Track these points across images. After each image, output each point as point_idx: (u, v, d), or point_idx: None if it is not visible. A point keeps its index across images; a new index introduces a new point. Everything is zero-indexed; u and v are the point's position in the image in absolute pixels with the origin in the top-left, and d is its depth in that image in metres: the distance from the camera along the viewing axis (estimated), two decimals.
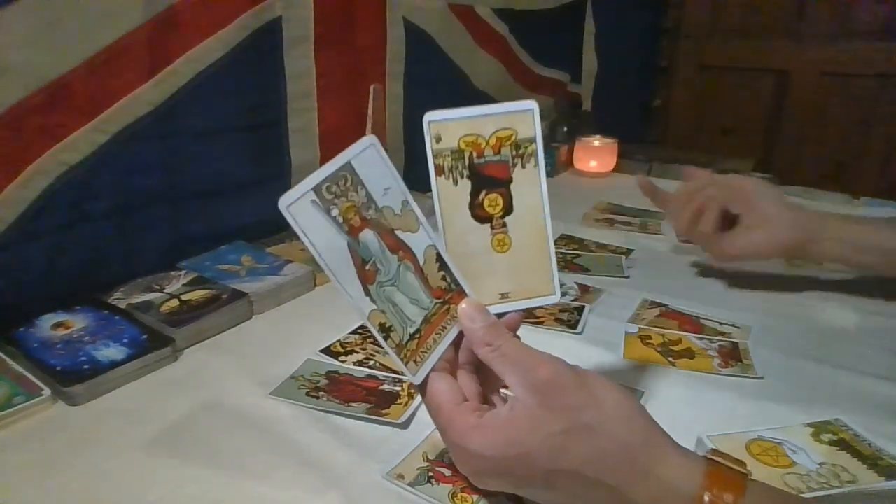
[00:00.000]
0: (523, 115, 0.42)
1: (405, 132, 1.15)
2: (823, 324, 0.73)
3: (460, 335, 0.43)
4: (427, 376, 0.41)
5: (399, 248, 0.41)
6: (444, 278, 0.42)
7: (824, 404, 0.57)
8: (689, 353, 0.66)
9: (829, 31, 1.96)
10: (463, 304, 0.43)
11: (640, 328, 0.71)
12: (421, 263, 0.41)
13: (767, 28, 2.05)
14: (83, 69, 0.68)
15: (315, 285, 0.79)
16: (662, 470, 0.38)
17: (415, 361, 0.41)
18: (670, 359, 0.65)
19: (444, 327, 0.42)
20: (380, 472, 0.49)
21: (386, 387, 0.60)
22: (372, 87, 0.99)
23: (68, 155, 0.69)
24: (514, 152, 0.41)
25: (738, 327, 0.71)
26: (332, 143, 0.99)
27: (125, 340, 0.63)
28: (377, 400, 0.57)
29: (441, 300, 0.42)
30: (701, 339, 0.69)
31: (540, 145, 0.43)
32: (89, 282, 0.73)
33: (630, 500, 0.37)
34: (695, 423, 0.53)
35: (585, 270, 0.87)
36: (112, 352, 0.61)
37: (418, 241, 0.41)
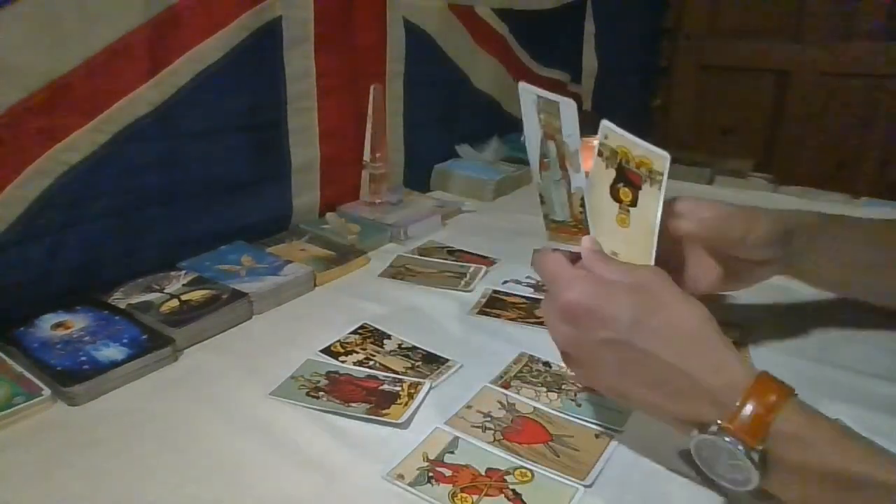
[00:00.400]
0: (660, 157, 0.50)
1: (405, 132, 1.15)
2: (823, 324, 0.73)
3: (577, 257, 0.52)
4: (543, 252, 0.52)
5: (566, 170, 0.53)
6: (581, 213, 0.54)
7: (824, 404, 0.57)
8: None
9: (829, 31, 1.96)
10: (585, 238, 0.53)
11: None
12: (571, 192, 0.54)
13: (767, 28, 2.05)
14: (83, 69, 0.68)
15: (315, 285, 0.79)
16: (725, 355, 0.43)
17: (554, 233, 0.55)
18: None
19: (568, 241, 0.55)
20: (380, 472, 0.49)
21: (386, 387, 0.60)
22: (372, 87, 0.99)
23: (68, 155, 0.69)
24: (647, 173, 0.51)
25: (739, 327, 0.71)
26: (332, 143, 0.99)
27: (125, 340, 0.63)
28: (377, 400, 0.57)
29: (577, 224, 0.54)
30: None
31: (664, 182, 0.51)
32: (89, 282, 0.73)
33: (694, 366, 0.43)
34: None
35: None
36: (112, 352, 0.61)
37: (575, 179, 0.54)
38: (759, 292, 0.79)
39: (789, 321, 0.74)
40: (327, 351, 0.66)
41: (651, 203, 0.51)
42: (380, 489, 0.48)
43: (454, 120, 1.29)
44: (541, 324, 0.72)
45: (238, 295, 0.72)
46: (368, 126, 1.00)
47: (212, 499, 0.47)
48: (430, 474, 0.49)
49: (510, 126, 1.45)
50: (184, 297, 0.72)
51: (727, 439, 0.40)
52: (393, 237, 0.95)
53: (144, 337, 0.64)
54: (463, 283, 0.82)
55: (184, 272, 0.78)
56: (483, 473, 0.49)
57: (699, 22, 2.15)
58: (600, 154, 0.53)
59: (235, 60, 0.83)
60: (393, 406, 0.56)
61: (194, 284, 0.75)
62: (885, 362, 0.65)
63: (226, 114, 0.85)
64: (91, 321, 0.67)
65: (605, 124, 0.52)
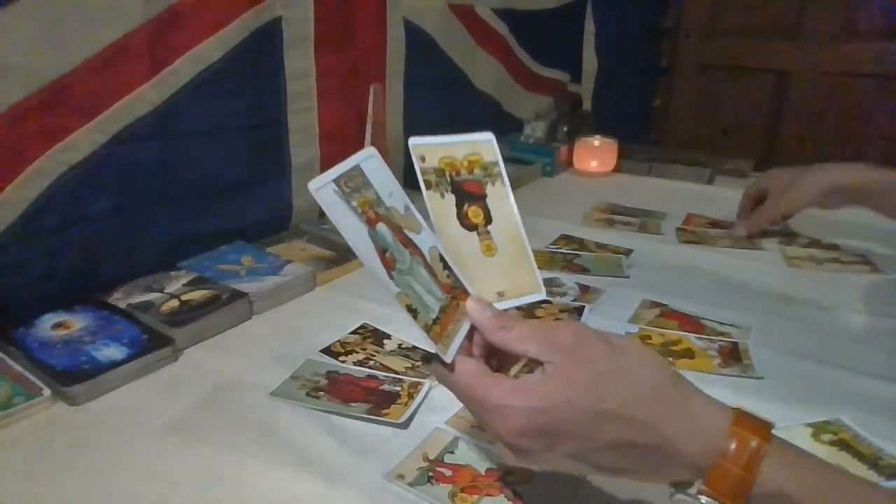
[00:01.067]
0: (485, 144, 0.48)
1: (405, 132, 1.15)
2: (823, 324, 0.73)
3: (471, 333, 0.45)
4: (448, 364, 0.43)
5: (408, 244, 0.44)
6: (448, 276, 0.45)
7: (824, 404, 0.57)
8: (689, 353, 0.66)
9: (829, 31, 1.96)
10: (469, 301, 0.45)
11: (640, 328, 0.71)
12: (428, 261, 0.45)
13: (767, 28, 2.05)
14: (83, 69, 0.68)
15: (315, 285, 0.79)
16: (692, 407, 0.40)
17: (443, 343, 0.42)
18: (670, 359, 0.65)
19: (458, 320, 0.44)
20: (380, 472, 0.49)
21: (386, 387, 0.60)
22: (372, 87, 0.98)
23: (68, 155, 0.69)
24: (483, 173, 0.48)
25: (738, 327, 0.71)
26: (332, 143, 0.99)
27: (125, 340, 0.63)
28: (377, 400, 0.57)
29: (450, 295, 0.45)
30: (701, 339, 0.69)
31: (502, 168, 0.49)
32: (89, 282, 0.73)
33: (667, 439, 0.38)
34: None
35: (585, 270, 0.87)
36: (112, 352, 0.61)
37: (423, 241, 0.45)
38: (759, 292, 0.79)
39: (789, 321, 0.74)
40: (327, 351, 0.66)
41: (503, 205, 0.48)
42: (380, 489, 0.48)
43: (454, 120, 1.29)
44: None
45: (238, 295, 0.72)
46: (368, 126, 1.00)
47: (212, 499, 0.47)
48: (430, 474, 0.49)
49: (510, 126, 1.46)
50: (184, 297, 0.72)
51: (705, 501, 0.38)
52: None
53: (144, 337, 0.64)
54: None
55: (184, 272, 0.78)
56: (483, 473, 0.49)
57: (699, 22, 2.15)
58: (428, 185, 0.47)
59: (235, 60, 0.83)
60: (393, 406, 0.56)
61: (194, 284, 0.75)
62: (885, 362, 0.65)
63: (226, 114, 0.85)
64: (91, 321, 0.67)
65: (415, 143, 0.47)
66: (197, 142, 0.82)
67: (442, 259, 0.45)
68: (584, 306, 0.76)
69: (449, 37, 1.20)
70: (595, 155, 1.37)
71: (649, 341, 0.68)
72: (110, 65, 0.70)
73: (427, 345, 0.43)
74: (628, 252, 0.93)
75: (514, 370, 0.46)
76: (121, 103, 0.72)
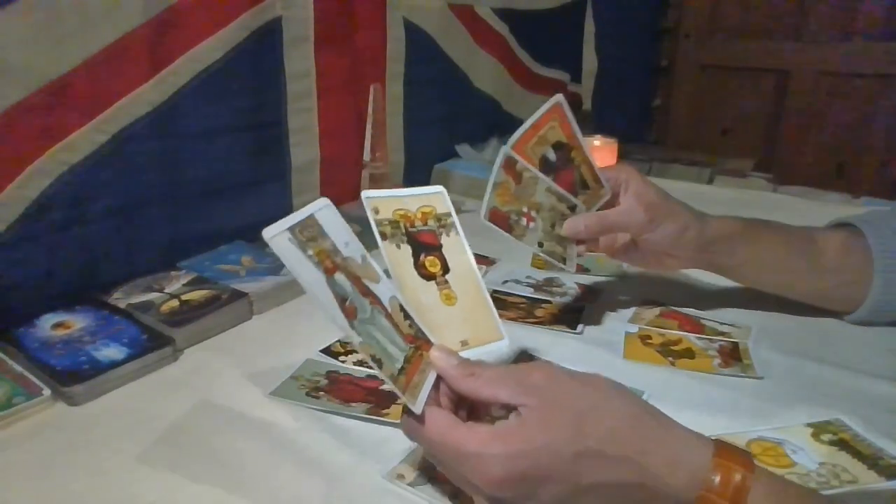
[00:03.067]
0: (437, 196, 0.50)
1: (405, 132, 1.15)
2: (823, 324, 0.73)
3: (437, 383, 0.44)
4: (417, 416, 0.42)
5: (368, 294, 0.43)
6: (410, 326, 0.45)
7: (824, 404, 0.57)
8: (689, 353, 0.66)
9: (829, 31, 1.96)
10: (433, 350, 0.44)
11: (640, 328, 0.71)
12: (388, 311, 0.44)
13: (767, 28, 2.05)
14: (83, 69, 0.68)
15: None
16: (672, 438, 0.39)
17: (410, 394, 0.41)
18: (670, 359, 0.65)
19: (423, 370, 0.43)
20: (380, 472, 0.49)
21: (386, 387, 0.60)
22: (372, 87, 0.99)
23: (68, 155, 0.69)
24: (437, 224, 0.48)
25: (738, 327, 0.71)
26: (332, 143, 0.99)
27: (125, 340, 0.63)
28: (377, 400, 0.57)
29: (413, 346, 0.44)
30: (701, 339, 0.69)
31: (455, 218, 0.51)
32: (89, 282, 0.73)
33: (650, 474, 0.38)
34: (695, 423, 0.52)
35: (585, 270, 0.87)
36: (112, 352, 0.61)
37: (382, 291, 0.44)
38: (759, 292, 0.79)
39: (789, 321, 0.74)
40: (327, 351, 0.66)
41: (459, 255, 0.49)
42: (380, 489, 0.48)
43: (454, 120, 1.29)
44: (541, 323, 0.72)
45: (238, 295, 0.72)
46: (368, 126, 1.00)
47: (212, 499, 0.47)
48: (431, 474, 0.49)
49: (510, 126, 1.45)
50: (184, 297, 0.72)
51: None
52: None
53: (144, 337, 0.64)
54: None
55: (184, 272, 0.78)
56: None
57: (699, 22, 2.15)
58: (384, 236, 0.47)
59: (235, 60, 0.83)
60: (393, 406, 0.56)
61: (194, 284, 0.75)
62: (885, 362, 0.65)
63: (226, 114, 0.85)
64: (91, 321, 0.67)
65: (368, 196, 0.48)
66: (197, 142, 0.82)
67: (402, 309, 0.45)
68: (584, 306, 0.76)
69: (449, 37, 1.20)
70: (595, 155, 1.37)
71: (649, 341, 0.68)
72: (110, 65, 0.70)
73: (397, 393, 0.41)
74: None
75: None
76: (121, 103, 0.72)
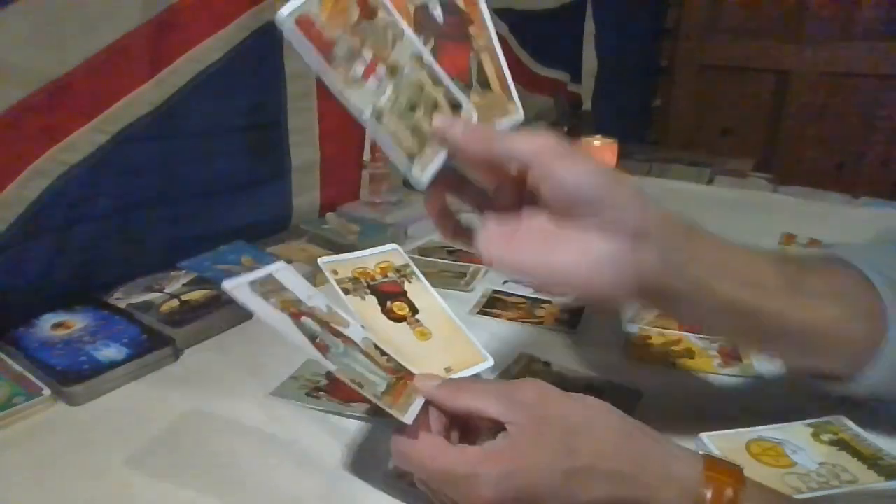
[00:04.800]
0: (392, 252, 0.50)
1: None
2: None
3: (425, 409, 0.43)
4: (406, 441, 0.41)
5: (339, 335, 0.43)
6: (388, 361, 0.44)
7: (824, 404, 0.57)
8: (689, 353, 0.66)
9: (829, 31, 1.96)
10: (416, 379, 0.44)
11: (640, 328, 0.71)
12: (363, 349, 0.43)
13: (767, 28, 2.05)
14: (83, 69, 0.68)
15: (315, 285, 0.79)
16: (662, 452, 0.39)
17: (398, 409, 0.41)
18: (670, 359, 0.65)
19: (409, 394, 0.42)
20: (380, 471, 0.49)
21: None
22: None
23: (68, 155, 0.69)
24: (397, 275, 0.48)
25: None
26: (332, 143, 0.99)
27: (125, 340, 0.63)
28: None
29: (395, 376, 0.43)
30: (701, 338, 0.69)
31: (414, 267, 0.51)
32: (89, 282, 0.73)
33: (642, 488, 0.37)
34: (695, 423, 0.53)
35: None
36: (112, 352, 0.61)
37: (353, 333, 0.44)
38: None
39: None
40: None
41: (425, 297, 0.49)
42: (380, 489, 0.47)
43: None
44: (541, 323, 0.72)
45: None
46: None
47: (212, 499, 0.47)
48: None
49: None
50: (184, 297, 0.72)
51: None
52: (393, 237, 0.95)
53: (144, 337, 0.64)
54: (463, 282, 0.82)
55: (184, 272, 0.78)
56: None
57: (699, 22, 2.15)
58: (347, 292, 0.48)
59: (235, 60, 0.82)
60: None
61: (194, 284, 0.75)
62: None
63: (226, 114, 0.85)
64: (91, 321, 0.67)
65: (324, 262, 0.48)
66: (197, 142, 0.82)
67: (377, 347, 0.44)
68: (584, 306, 0.76)
69: None
70: (595, 155, 1.37)
71: (649, 341, 0.68)
72: (110, 65, 0.70)
73: (385, 408, 0.41)
74: None
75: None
76: (121, 103, 0.72)
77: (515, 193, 0.43)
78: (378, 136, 0.43)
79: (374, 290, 0.48)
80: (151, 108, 0.75)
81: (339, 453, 0.51)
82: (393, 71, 0.42)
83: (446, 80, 0.44)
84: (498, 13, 1.33)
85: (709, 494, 0.36)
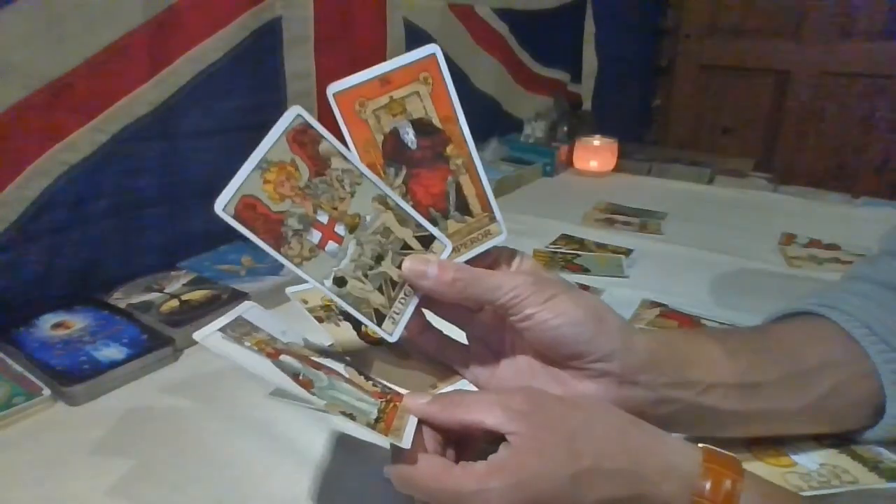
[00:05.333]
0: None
1: None
2: None
3: (419, 429, 0.41)
4: (406, 467, 0.39)
5: (321, 367, 0.41)
6: (374, 385, 0.42)
7: None
8: None
9: (829, 31, 1.96)
10: (406, 398, 0.42)
11: (639, 328, 0.71)
12: (346, 377, 0.42)
13: (767, 28, 2.05)
14: (83, 69, 0.68)
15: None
16: (661, 445, 0.39)
17: (394, 435, 0.39)
18: None
19: (401, 416, 0.40)
20: (380, 471, 0.49)
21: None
22: None
23: (68, 155, 0.69)
24: None
25: (738, 327, 0.71)
26: None
27: (125, 340, 0.63)
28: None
29: (384, 400, 0.41)
30: None
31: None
32: (89, 282, 0.73)
33: (645, 483, 0.38)
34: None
35: (585, 270, 0.87)
36: (112, 352, 0.61)
37: (334, 363, 0.42)
38: (759, 292, 0.79)
39: None
40: None
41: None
42: (380, 489, 0.47)
43: None
44: None
45: (238, 295, 0.72)
46: None
47: (212, 499, 0.47)
48: None
49: (510, 126, 1.45)
50: (184, 297, 0.72)
51: None
52: None
53: (144, 337, 0.64)
54: None
55: (184, 272, 0.78)
56: None
57: (699, 22, 2.15)
58: (321, 320, 0.47)
59: (235, 60, 0.82)
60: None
61: (194, 284, 0.75)
62: None
63: (226, 114, 0.85)
64: (91, 321, 0.67)
65: (292, 291, 0.47)
66: (197, 142, 0.82)
67: (361, 372, 0.43)
68: None
69: (449, 37, 1.20)
70: (595, 155, 1.37)
71: None
72: (110, 65, 0.70)
73: (378, 438, 0.38)
74: (628, 252, 0.93)
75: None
76: (121, 103, 0.72)
77: (497, 320, 0.45)
78: (342, 303, 0.41)
79: (347, 317, 0.47)
80: (151, 108, 0.75)
81: (339, 454, 0.51)
82: (353, 226, 0.41)
83: (416, 217, 0.42)
84: (498, 13, 1.33)
85: (707, 486, 0.37)
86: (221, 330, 0.38)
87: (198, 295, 0.72)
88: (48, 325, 0.65)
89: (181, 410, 0.56)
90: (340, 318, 0.47)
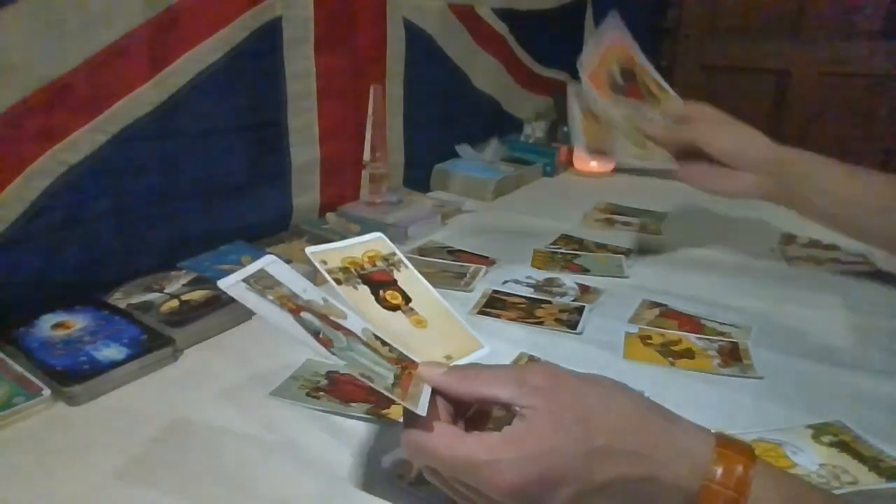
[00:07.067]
0: (378, 241, 0.51)
1: (405, 132, 1.15)
2: (823, 324, 0.73)
3: (432, 400, 0.42)
4: (420, 433, 0.40)
5: (339, 328, 0.43)
6: (390, 351, 0.44)
7: (825, 405, 0.57)
8: (689, 353, 0.66)
9: (829, 31, 1.96)
10: (421, 367, 0.43)
11: (640, 328, 0.71)
12: (364, 340, 0.43)
13: (767, 28, 2.05)
14: (83, 69, 0.68)
15: (316, 285, 0.79)
16: (675, 429, 0.39)
17: (410, 401, 0.40)
18: (670, 359, 0.65)
19: (416, 384, 0.42)
20: (380, 471, 0.49)
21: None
22: (372, 88, 0.98)
23: (68, 155, 0.69)
24: (385, 263, 0.49)
25: (738, 327, 0.71)
26: (332, 143, 0.99)
27: (125, 340, 0.63)
28: (377, 400, 0.57)
29: (399, 366, 0.43)
30: (701, 339, 0.69)
31: (401, 256, 0.52)
32: (89, 282, 0.73)
33: (659, 465, 0.38)
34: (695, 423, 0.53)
35: (585, 270, 0.87)
36: (112, 352, 0.61)
37: (353, 325, 0.44)
38: (759, 292, 0.79)
39: (789, 321, 0.74)
40: None
41: (417, 285, 0.49)
42: (380, 489, 0.48)
43: (454, 120, 1.29)
44: (541, 323, 0.72)
45: None
46: (368, 126, 1.00)
47: (212, 499, 0.47)
48: None
49: (510, 126, 1.45)
50: (184, 297, 0.72)
51: None
52: (393, 237, 0.95)
53: (144, 337, 0.64)
54: (463, 282, 0.82)
55: (184, 272, 0.78)
56: None
57: (699, 22, 2.15)
58: (339, 282, 0.48)
59: (235, 60, 0.82)
60: (393, 405, 0.56)
61: (194, 284, 0.75)
62: (885, 362, 0.65)
63: (226, 114, 0.85)
64: (91, 321, 0.67)
65: (312, 251, 0.48)
66: (197, 142, 0.82)
67: (378, 338, 0.44)
68: (584, 306, 0.76)
69: (449, 37, 1.20)
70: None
71: (649, 341, 0.68)
72: (110, 65, 0.70)
73: (397, 400, 0.40)
74: (628, 252, 0.93)
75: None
76: (121, 103, 0.72)
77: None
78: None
79: (366, 280, 0.48)
80: (151, 108, 0.75)
81: (339, 453, 0.51)
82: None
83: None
84: (498, 13, 1.33)
85: (719, 471, 0.37)
86: (245, 281, 0.40)
87: (198, 295, 0.72)
88: (48, 325, 0.65)
89: (181, 410, 0.56)
90: (358, 281, 0.48)
